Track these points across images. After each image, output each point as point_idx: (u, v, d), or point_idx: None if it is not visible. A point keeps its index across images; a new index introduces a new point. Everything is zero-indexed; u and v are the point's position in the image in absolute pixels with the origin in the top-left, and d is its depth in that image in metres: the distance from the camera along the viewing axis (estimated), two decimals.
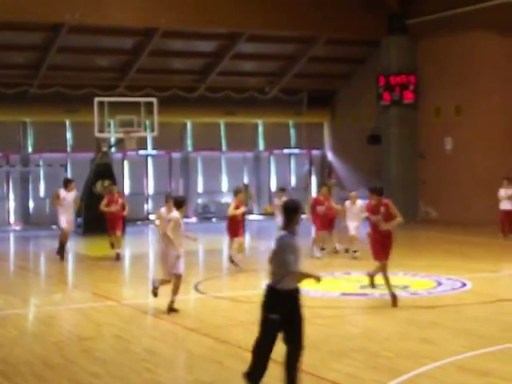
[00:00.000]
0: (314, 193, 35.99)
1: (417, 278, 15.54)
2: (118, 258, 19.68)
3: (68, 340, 10.88)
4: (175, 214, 12.34)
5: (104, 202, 20.22)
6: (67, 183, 20.34)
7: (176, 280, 12.34)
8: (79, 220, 27.84)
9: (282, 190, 21.69)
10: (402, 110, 30.50)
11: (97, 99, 26.63)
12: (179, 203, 12.54)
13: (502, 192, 23.69)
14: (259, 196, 35.04)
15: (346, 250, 19.84)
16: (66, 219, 20.10)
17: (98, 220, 21.58)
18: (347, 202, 19.78)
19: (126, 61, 30.39)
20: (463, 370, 8.79)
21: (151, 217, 30.63)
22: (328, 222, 19.79)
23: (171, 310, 12.27)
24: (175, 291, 12.36)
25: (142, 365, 9.36)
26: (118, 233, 20.15)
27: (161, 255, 12.77)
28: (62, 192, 19.97)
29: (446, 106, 29.32)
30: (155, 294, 12.71)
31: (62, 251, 19.83)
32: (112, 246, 20.39)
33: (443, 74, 29.21)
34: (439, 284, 14.75)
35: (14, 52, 28.75)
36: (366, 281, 13.38)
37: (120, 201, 20.46)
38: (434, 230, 26.92)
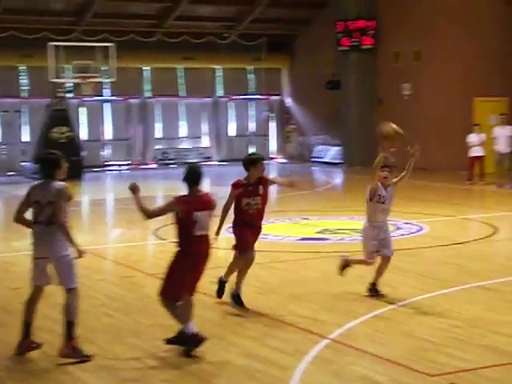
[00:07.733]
0: (272, 139, 36.03)
1: None
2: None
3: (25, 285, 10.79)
4: None
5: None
6: None
7: None
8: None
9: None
10: (360, 56, 30.43)
11: (50, 44, 26.19)
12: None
13: (474, 138, 22.62)
14: (217, 142, 34.93)
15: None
16: None
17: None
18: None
19: (81, 4, 29.84)
20: (419, 312, 8.93)
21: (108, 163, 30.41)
22: None
23: None
24: None
25: (101, 310, 9.35)
26: None
27: None
28: None
29: (405, 51, 29.29)
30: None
31: None
32: None
33: (403, 19, 29.13)
34: (398, 228, 14.88)
35: None
36: (324, 225, 13.35)
37: None
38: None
